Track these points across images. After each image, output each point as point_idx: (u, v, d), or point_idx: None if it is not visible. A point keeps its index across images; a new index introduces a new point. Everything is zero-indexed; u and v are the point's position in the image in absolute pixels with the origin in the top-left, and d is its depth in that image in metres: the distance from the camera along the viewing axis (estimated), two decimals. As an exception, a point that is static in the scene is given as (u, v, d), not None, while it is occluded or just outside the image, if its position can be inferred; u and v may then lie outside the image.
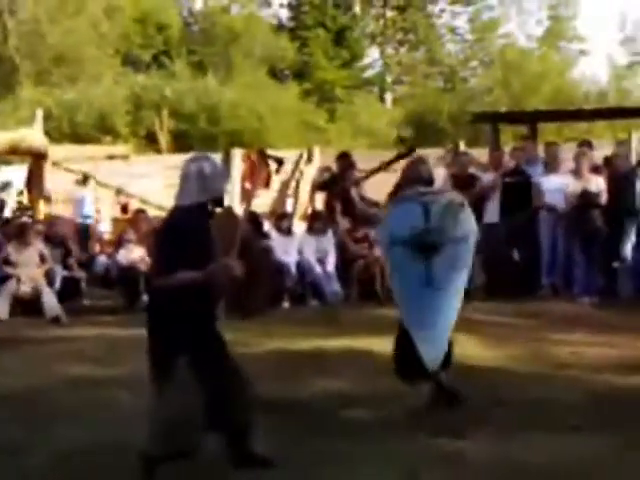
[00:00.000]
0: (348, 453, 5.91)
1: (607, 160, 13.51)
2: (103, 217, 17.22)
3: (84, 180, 17.28)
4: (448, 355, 6.83)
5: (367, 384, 7.57)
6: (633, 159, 13.80)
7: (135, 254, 13.06)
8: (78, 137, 25.67)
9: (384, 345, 7.71)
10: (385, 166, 13.19)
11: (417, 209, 6.75)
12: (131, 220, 14.41)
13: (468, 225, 6.89)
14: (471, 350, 8.78)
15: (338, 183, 13.58)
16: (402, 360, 6.88)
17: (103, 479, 5.61)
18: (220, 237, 5.55)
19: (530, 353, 8.86)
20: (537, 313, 11.04)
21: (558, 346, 9.06)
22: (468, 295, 11.67)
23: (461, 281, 6.87)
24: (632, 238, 12.04)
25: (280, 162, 6.82)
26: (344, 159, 14.00)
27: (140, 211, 14.90)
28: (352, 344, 9.06)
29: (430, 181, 7.18)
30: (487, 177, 13.40)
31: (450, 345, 6.87)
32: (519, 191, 12.86)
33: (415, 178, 7.18)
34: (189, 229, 5.43)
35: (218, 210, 5.71)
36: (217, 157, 18.85)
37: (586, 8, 57.92)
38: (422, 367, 6.65)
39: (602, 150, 14.35)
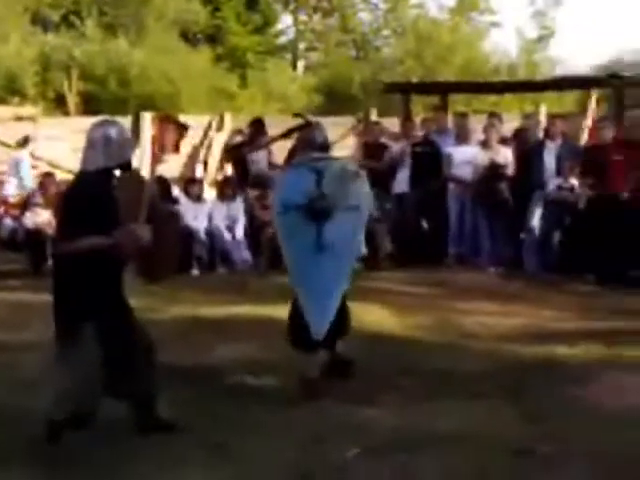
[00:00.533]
0: (254, 420, 5.94)
1: (516, 132, 13.69)
2: (8, 179, 16.90)
3: (24, 142, 16.87)
4: (344, 323, 6.76)
5: (273, 351, 7.58)
6: (540, 132, 13.96)
7: (42, 217, 12.87)
8: (-16, 97, 25.18)
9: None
10: (287, 134, 13.21)
11: (310, 175, 6.65)
12: (39, 183, 14.18)
13: (361, 194, 6.79)
14: (377, 318, 8.88)
15: (246, 147, 13.63)
16: (295, 329, 6.76)
17: (1, 443, 5.54)
18: (127, 201, 5.51)
19: (436, 322, 8.97)
20: (443, 282, 11.19)
21: (464, 315, 9.19)
22: (375, 263, 12.01)
23: (352, 249, 6.79)
24: (538, 210, 12.23)
25: (184, 128, 6.74)
26: (256, 125, 14.00)
27: (47, 174, 14.64)
28: (259, 311, 9.08)
29: (325, 147, 7.04)
30: (397, 147, 13.52)
31: (346, 313, 6.81)
32: (429, 161, 12.98)
33: (309, 143, 7.07)
34: (94, 195, 5.38)
35: (124, 174, 5.66)
36: (127, 120, 18.68)
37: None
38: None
39: (511, 123, 14.53)
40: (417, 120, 14.73)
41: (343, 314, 6.73)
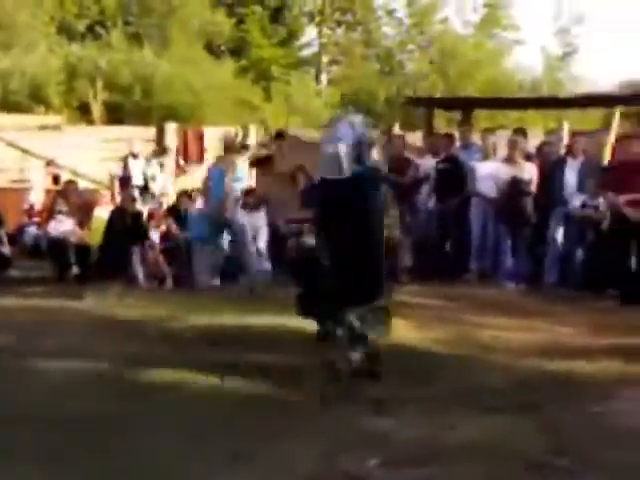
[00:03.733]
0: (274, 429, 5.98)
1: (539, 149, 13.72)
2: (34, 187, 17.04)
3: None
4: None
5: (294, 360, 7.64)
6: (563, 149, 13.99)
7: (66, 225, 12.99)
8: (10, 106, 25.31)
9: (309, 323, 7.84)
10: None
11: None
12: (62, 191, 14.31)
13: None
14: (396, 331, 8.90)
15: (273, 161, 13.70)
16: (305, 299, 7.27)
17: (25, 451, 5.59)
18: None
19: (454, 336, 8.99)
20: (463, 297, 11.21)
21: (482, 329, 9.20)
22: (395, 277, 12.05)
23: None
24: (559, 226, 12.26)
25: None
26: (280, 138, 14.09)
27: (71, 182, 14.79)
28: (278, 322, 9.12)
29: None
30: (423, 162, 13.57)
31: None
32: (452, 177, 13.01)
33: None
34: None
35: None
36: (151, 130, 18.84)
37: (522, -3, 58.59)
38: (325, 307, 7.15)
39: (534, 139, 14.56)
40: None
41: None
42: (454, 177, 12.98)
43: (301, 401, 6.65)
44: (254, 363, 7.68)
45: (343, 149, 7.08)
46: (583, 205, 12.12)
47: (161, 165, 16.02)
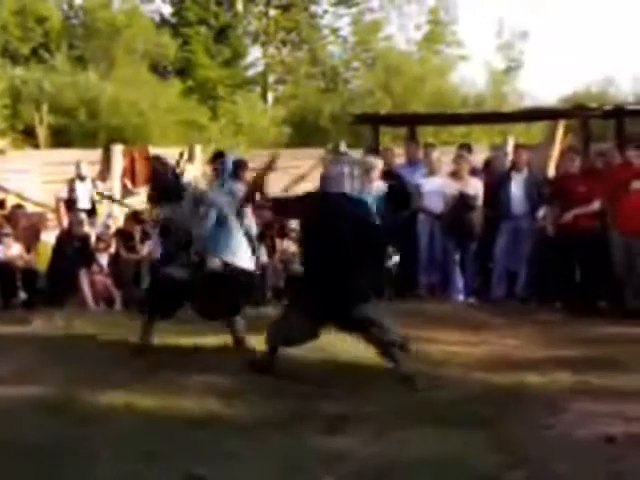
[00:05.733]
0: (229, 448, 5.96)
1: (485, 163, 13.84)
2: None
3: None
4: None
5: (243, 379, 7.66)
6: (508, 164, 14.11)
7: (13, 250, 12.87)
8: (-47, 130, 25.15)
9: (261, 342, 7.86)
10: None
11: None
12: (8, 215, 14.19)
13: None
14: (347, 347, 8.90)
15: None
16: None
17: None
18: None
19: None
20: (412, 312, 11.23)
21: (432, 344, 9.23)
22: None
23: None
24: (505, 240, 12.37)
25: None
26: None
27: (18, 206, 14.70)
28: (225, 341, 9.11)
29: None
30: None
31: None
32: (395, 194, 13.03)
33: None
34: None
35: None
36: (97, 153, 18.74)
37: (465, 14, 59.16)
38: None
39: (479, 154, 14.67)
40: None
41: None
42: (397, 194, 13.00)
43: (253, 420, 6.65)
44: (205, 383, 7.66)
45: (347, 169, 7.92)
46: (527, 217, 12.28)
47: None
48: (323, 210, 7.89)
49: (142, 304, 9.09)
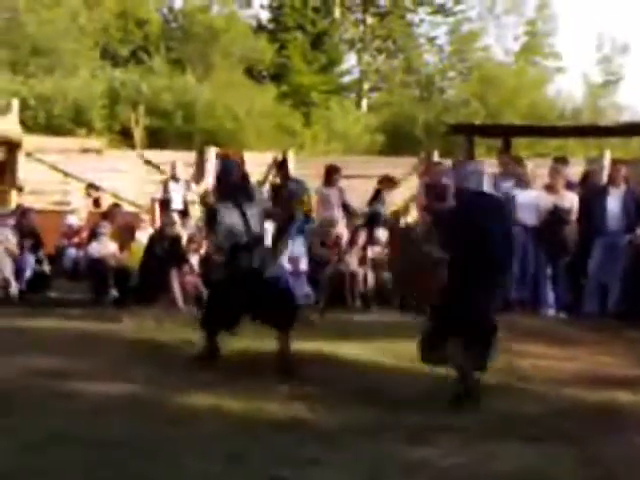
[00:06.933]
0: (313, 455, 5.94)
1: (583, 177, 13.63)
2: (75, 210, 17.12)
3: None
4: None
5: (333, 387, 7.63)
6: (604, 178, 13.87)
7: (108, 248, 13.04)
8: (53, 129, 25.54)
9: (352, 349, 7.82)
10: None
11: None
12: (106, 213, 14.40)
13: None
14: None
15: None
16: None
17: (60, 471, 5.59)
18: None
19: (494, 364, 8.91)
20: (503, 326, 11.07)
21: (522, 358, 9.12)
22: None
23: None
24: (600, 256, 12.16)
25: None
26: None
27: (115, 205, 14.93)
28: (321, 347, 9.09)
29: None
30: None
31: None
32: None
33: None
34: None
35: None
36: (191, 155, 18.90)
37: (564, 26, 58.51)
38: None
39: (574, 167, 14.46)
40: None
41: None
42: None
43: (336, 426, 6.62)
44: (288, 388, 7.67)
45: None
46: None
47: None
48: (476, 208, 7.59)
49: (203, 320, 8.76)
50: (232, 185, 8.61)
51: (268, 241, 10.08)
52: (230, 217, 8.38)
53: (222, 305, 8.50)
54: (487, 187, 7.72)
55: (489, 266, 7.36)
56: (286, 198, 12.94)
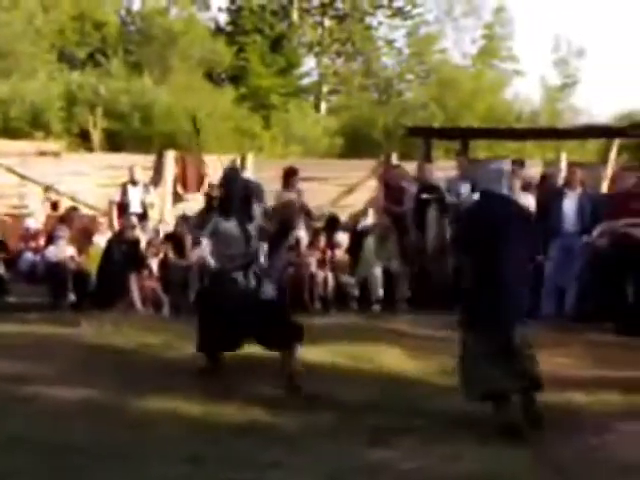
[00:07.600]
0: (272, 458, 5.96)
1: (541, 179, 13.73)
2: (33, 213, 16.99)
3: None
4: None
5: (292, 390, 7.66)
6: (561, 180, 13.99)
7: (65, 252, 12.97)
8: (10, 132, 25.33)
9: (311, 353, 7.83)
10: None
11: None
12: (63, 217, 14.31)
13: None
14: (394, 360, 8.88)
15: None
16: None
17: (20, 476, 5.57)
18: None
19: (451, 365, 8.95)
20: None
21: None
22: (392, 306, 12.17)
23: None
24: (557, 258, 12.25)
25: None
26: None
27: (73, 209, 14.84)
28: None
29: None
30: (413, 189, 13.55)
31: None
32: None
33: None
34: None
35: None
36: (150, 158, 18.84)
37: (521, 29, 58.91)
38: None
39: (531, 169, 14.57)
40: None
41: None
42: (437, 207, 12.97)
43: (298, 431, 6.64)
44: (249, 391, 7.67)
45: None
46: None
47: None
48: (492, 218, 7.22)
49: (199, 343, 8.40)
50: (234, 198, 8.52)
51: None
52: (230, 230, 8.33)
53: (217, 329, 8.23)
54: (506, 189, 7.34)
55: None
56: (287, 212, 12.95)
